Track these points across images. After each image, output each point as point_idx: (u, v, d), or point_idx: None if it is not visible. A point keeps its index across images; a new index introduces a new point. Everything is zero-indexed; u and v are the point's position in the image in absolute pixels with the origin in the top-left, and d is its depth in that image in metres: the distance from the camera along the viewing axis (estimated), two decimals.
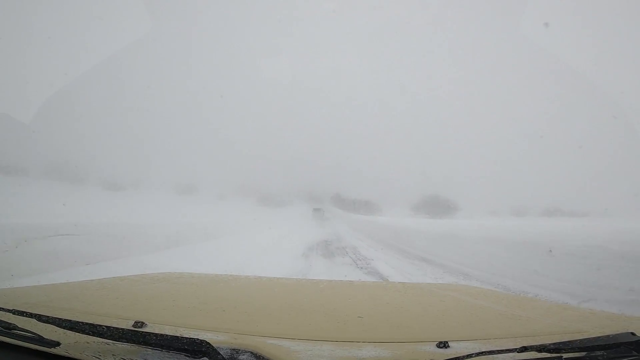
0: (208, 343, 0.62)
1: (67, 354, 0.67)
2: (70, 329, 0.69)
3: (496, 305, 1.27)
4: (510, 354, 0.62)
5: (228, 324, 0.91)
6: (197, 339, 0.63)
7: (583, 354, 0.64)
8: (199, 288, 1.54)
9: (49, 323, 0.71)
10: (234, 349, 0.65)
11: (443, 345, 0.70)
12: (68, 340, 0.69)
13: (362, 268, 6.74)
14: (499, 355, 0.62)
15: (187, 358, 0.63)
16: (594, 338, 0.67)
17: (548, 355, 0.62)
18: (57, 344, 0.67)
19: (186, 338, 0.65)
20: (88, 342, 0.69)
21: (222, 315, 1.02)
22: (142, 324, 0.77)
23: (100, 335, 0.68)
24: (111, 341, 0.68)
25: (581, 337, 0.68)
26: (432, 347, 0.70)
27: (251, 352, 0.64)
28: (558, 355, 0.62)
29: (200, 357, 0.62)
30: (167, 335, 0.67)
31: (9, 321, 0.71)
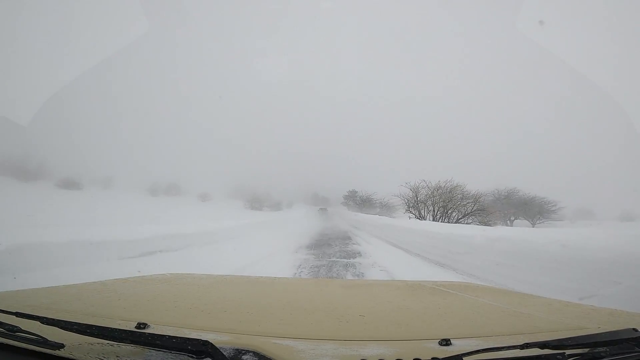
0: (211, 343, 0.62)
1: (71, 356, 0.67)
2: (74, 331, 0.69)
3: (498, 303, 1.27)
4: (513, 351, 0.63)
5: (230, 324, 0.92)
6: (200, 339, 0.64)
7: (586, 350, 0.64)
8: (201, 289, 1.55)
9: (53, 325, 0.71)
10: (236, 349, 0.65)
11: (445, 342, 0.70)
12: (72, 342, 0.69)
13: None
14: (501, 352, 0.62)
15: (190, 358, 0.63)
16: (596, 334, 0.67)
17: (550, 351, 0.62)
18: (61, 345, 0.68)
19: (189, 339, 0.65)
20: (92, 344, 0.70)
21: (225, 316, 1.03)
22: (145, 325, 0.77)
23: (104, 336, 0.68)
24: (115, 342, 0.68)
25: (583, 334, 0.68)
26: (434, 345, 0.70)
27: (254, 352, 0.65)
28: (561, 351, 0.62)
29: (204, 358, 0.62)
30: (170, 336, 0.67)
31: (12, 324, 0.71)
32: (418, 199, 19.76)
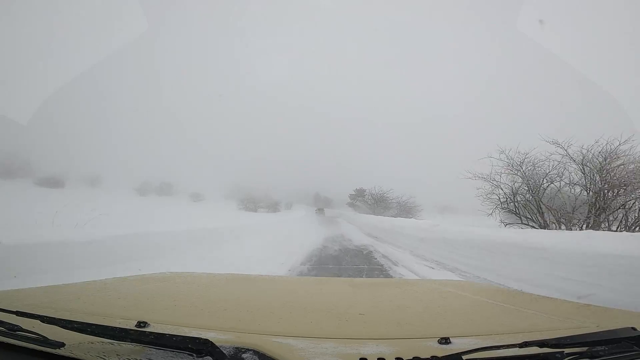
0: (211, 342, 0.62)
1: (71, 355, 0.68)
2: (74, 329, 0.69)
3: (497, 301, 1.28)
4: (512, 349, 0.63)
5: (230, 322, 0.92)
6: (200, 338, 0.64)
7: (584, 349, 0.64)
8: (201, 287, 1.55)
9: (53, 324, 0.71)
10: (237, 348, 0.65)
11: (444, 341, 0.70)
12: (72, 341, 0.69)
13: None
14: (500, 350, 0.63)
15: (191, 357, 0.63)
16: (595, 333, 0.67)
17: (549, 350, 0.62)
18: (62, 344, 0.68)
19: (189, 337, 0.65)
20: (92, 343, 0.70)
21: (225, 314, 1.03)
22: (145, 324, 0.77)
23: (104, 335, 0.68)
24: (115, 341, 0.68)
25: (582, 332, 0.68)
26: (433, 343, 0.70)
27: (254, 351, 0.65)
28: (560, 350, 0.62)
29: (204, 356, 0.62)
30: (170, 334, 0.67)
31: (13, 322, 0.72)
32: (532, 188, 9.62)
